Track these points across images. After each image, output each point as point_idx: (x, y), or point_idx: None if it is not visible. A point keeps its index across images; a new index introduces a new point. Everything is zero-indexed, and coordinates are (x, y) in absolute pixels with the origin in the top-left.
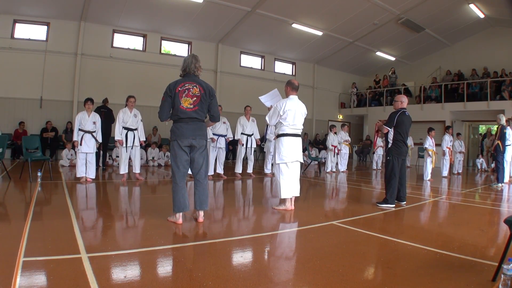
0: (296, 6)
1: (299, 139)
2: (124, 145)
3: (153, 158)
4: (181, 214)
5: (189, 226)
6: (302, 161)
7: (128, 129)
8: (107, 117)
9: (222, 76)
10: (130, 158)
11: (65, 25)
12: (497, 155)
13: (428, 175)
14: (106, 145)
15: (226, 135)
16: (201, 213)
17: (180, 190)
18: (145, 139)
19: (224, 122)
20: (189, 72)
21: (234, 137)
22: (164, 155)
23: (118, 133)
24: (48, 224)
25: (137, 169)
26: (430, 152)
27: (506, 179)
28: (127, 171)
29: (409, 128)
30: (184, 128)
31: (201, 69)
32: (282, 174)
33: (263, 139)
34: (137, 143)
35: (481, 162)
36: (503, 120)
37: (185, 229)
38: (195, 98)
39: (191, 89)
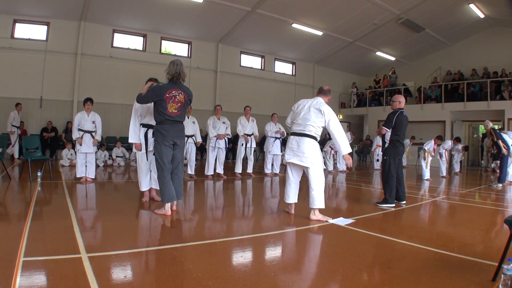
0: (296, 6)
1: (300, 138)
2: (144, 150)
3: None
4: (169, 205)
5: (189, 226)
6: (303, 164)
7: (148, 126)
8: None
9: (222, 76)
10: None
11: (65, 25)
12: (502, 156)
13: (427, 174)
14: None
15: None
16: (175, 202)
17: (168, 181)
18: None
19: (224, 122)
20: (177, 79)
21: (238, 134)
22: None
23: (132, 132)
24: (48, 224)
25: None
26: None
27: (509, 179)
28: (149, 186)
29: (406, 128)
30: (170, 130)
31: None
32: (286, 176)
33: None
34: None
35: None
36: (491, 125)
37: (184, 229)
38: (179, 104)
39: (177, 96)
